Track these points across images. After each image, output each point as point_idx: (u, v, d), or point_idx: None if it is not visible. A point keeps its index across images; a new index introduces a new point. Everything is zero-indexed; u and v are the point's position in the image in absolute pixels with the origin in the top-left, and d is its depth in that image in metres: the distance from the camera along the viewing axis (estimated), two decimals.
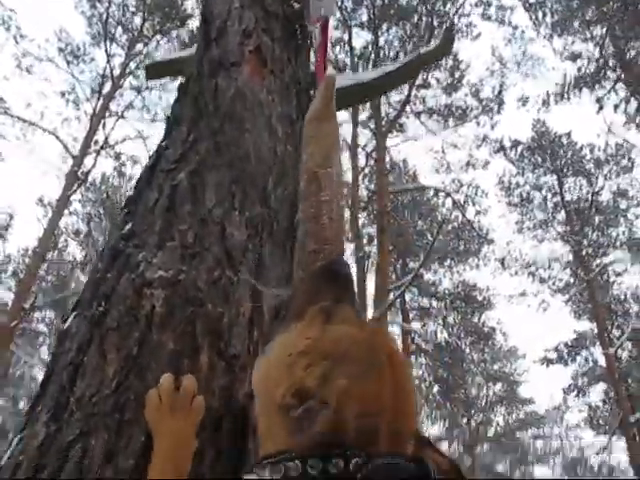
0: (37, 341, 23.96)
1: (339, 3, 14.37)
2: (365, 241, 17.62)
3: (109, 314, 1.28)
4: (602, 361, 18.23)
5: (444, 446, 28.75)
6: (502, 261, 20.48)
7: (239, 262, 1.42)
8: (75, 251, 22.98)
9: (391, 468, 0.78)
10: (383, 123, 15.23)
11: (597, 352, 19.77)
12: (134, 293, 1.30)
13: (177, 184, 1.51)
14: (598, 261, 18.46)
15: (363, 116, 15.93)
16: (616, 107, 16.56)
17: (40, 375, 24.56)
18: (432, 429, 28.73)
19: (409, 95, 15.75)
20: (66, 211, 17.22)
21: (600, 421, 21.81)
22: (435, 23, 15.41)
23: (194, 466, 1.13)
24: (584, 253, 18.49)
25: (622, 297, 19.83)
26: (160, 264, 1.35)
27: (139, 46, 17.48)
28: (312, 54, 2.08)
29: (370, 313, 13.80)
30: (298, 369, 0.86)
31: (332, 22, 1.53)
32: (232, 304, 1.35)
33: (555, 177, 20.21)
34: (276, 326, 1.13)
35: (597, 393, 21.83)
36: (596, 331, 17.87)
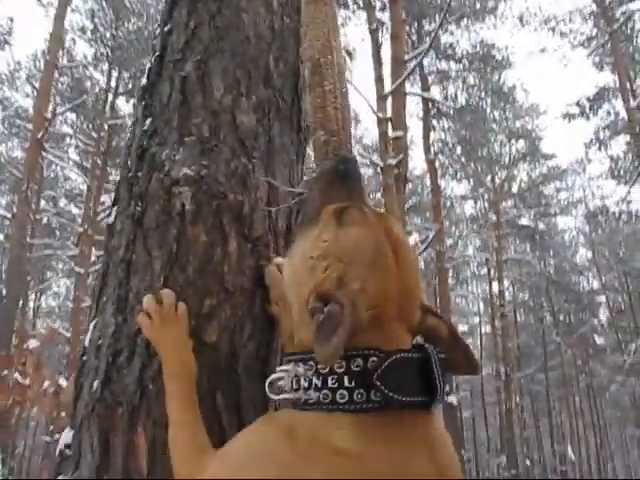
0: (64, 142, 24.41)
1: None
2: (377, 9, 16.97)
3: (146, 214, 1.49)
4: (624, 114, 18.16)
5: (469, 204, 29.79)
6: (520, 18, 19.73)
7: (252, 148, 1.59)
8: (84, 49, 22.60)
9: (400, 362, 1.02)
10: None
11: (619, 105, 19.65)
12: (165, 193, 1.49)
13: (186, 76, 1.63)
14: (623, 9, 17.63)
15: None
16: None
17: (71, 174, 25.35)
18: (458, 189, 29.60)
19: None
20: (68, 9, 16.68)
21: (621, 172, 22.22)
22: None
23: (235, 340, 1.41)
24: (608, 2, 17.63)
25: None
26: (183, 161, 1.52)
27: None
28: None
29: (388, 85, 13.75)
30: (318, 271, 1.08)
31: None
32: (250, 190, 1.54)
33: None
34: (296, 228, 1.30)
35: (619, 145, 22.03)
36: (618, 84, 17.59)
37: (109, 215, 1.62)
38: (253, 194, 1.54)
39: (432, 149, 21.18)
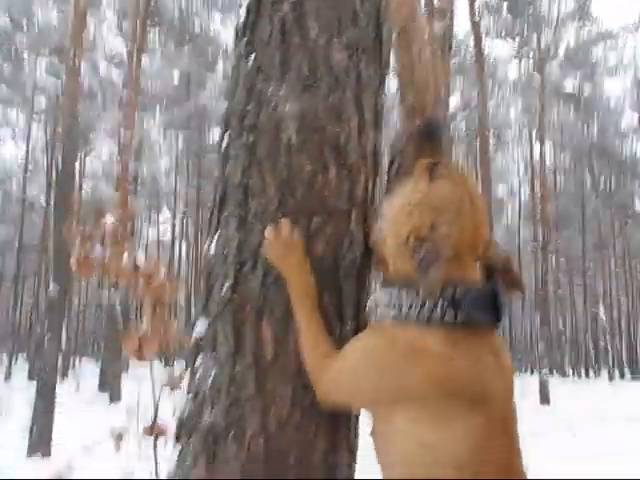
0: (102, 5, 24.20)
1: None
2: None
3: (259, 145, 1.76)
4: None
5: (513, 65, 28.99)
6: None
7: (345, 84, 1.82)
8: None
9: (478, 292, 1.40)
10: None
11: None
12: (274, 127, 1.76)
13: (284, 16, 1.84)
14: None
15: None
16: None
17: (110, 37, 25.25)
18: (502, 50, 28.73)
19: None
20: None
21: None
22: None
23: (337, 253, 1.72)
24: None
25: None
26: (286, 97, 1.77)
27: None
28: None
29: None
30: (415, 217, 1.45)
31: None
32: (344, 122, 1.79)
33: None
34: (393, 180, 1.60)
35: None
36: None
37: (221, 141, 1.89)
38: (347, 126, 1.80)
39: (477, 11, 20.52)
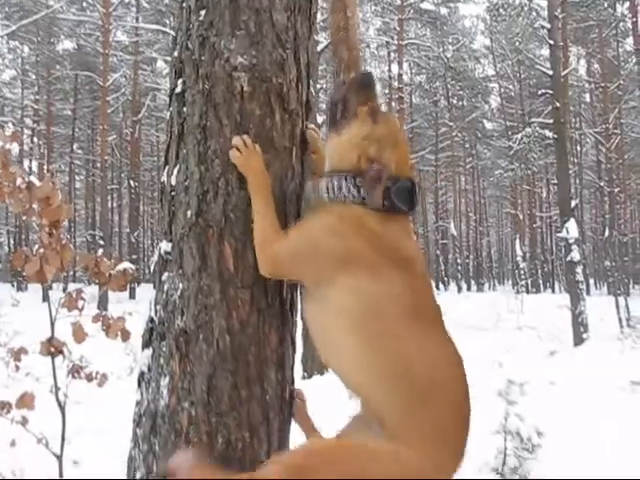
0: None
1: None
2: None
3: (214, 92, 2.06)
4: None
5: None
6: None
7: (285, 40, 2.13)
8: None
9: (402, 185, 1.91)
10: None
11: None
12: (227, 76, 2.05)
13: None
14: None
15: None
16: None
17: None
18: None
19: None
20: None
21: None
22: None
23: (283, 184, 2.09)
24: None
25: None
26: (237, 50, 2.06)
27: None
28: None
29: None
30: (364, 146, 1.94)
31: None
32: (286, 74, 2.12)
33: None
34: (339, 121, 2.01)
35: None
36: None
37: (174, 86, 2.16)
38: (288, 77, 2.14)
39: None
